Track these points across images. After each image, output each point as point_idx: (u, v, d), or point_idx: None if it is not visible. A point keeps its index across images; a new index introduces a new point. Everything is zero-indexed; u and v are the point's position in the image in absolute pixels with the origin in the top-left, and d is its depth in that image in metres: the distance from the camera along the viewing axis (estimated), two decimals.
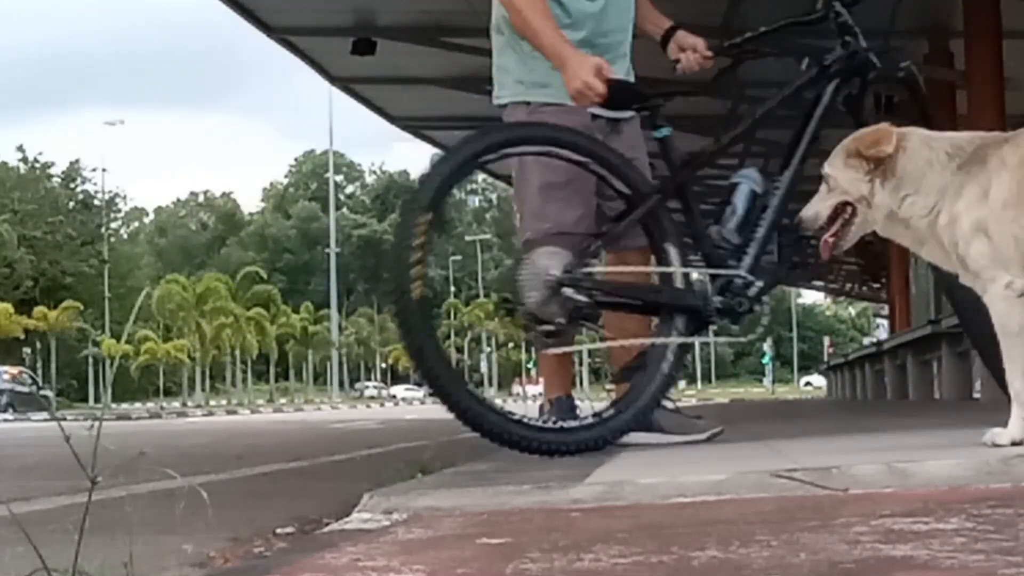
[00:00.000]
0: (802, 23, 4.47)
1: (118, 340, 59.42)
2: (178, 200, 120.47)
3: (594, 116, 4.47)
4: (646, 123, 4.41)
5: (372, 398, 77.29)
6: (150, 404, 59.16)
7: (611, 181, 4.18)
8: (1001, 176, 3.20)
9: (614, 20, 4.60)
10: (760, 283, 4.20)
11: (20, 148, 75.34)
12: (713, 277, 4.21)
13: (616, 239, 4.25)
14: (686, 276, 4.18)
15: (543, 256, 4.05)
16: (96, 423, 2.12)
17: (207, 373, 68.36)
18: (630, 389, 4.19)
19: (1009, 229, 3.18)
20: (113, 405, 55.02)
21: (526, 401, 65.14)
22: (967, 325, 4.38)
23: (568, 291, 3.98)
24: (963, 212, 3.25)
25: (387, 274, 4.06)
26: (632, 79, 4.64)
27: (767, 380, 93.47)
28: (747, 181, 4.31)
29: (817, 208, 3.45)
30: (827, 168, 3.46)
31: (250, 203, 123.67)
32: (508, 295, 4.08)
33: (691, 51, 4.57)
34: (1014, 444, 3.11)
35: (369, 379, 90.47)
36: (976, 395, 12.54)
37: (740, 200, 4.27)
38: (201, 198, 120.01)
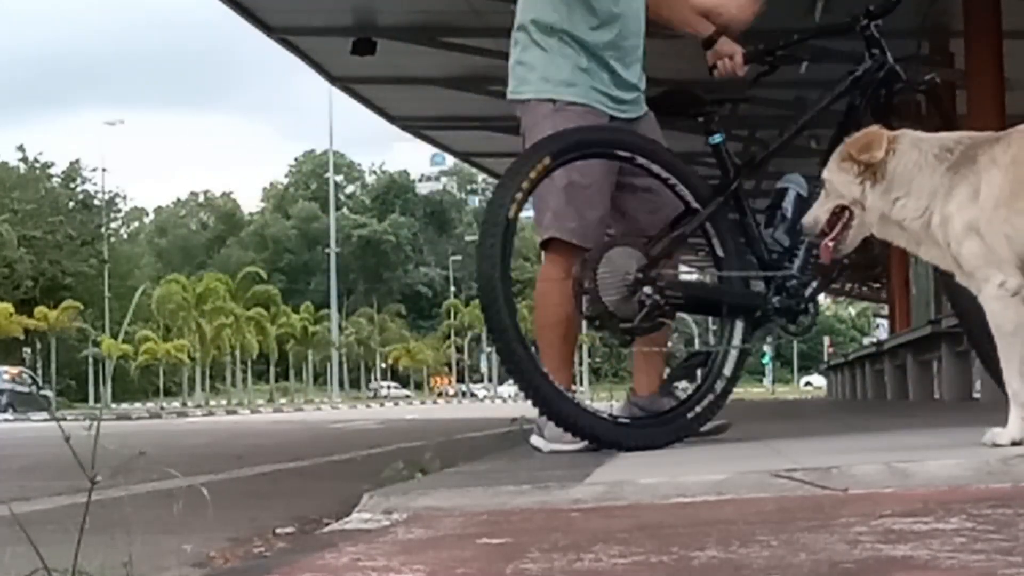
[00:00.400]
0: (832, 31, 4.70)
1: (118, 340, 59.38)
2: (178, 200, 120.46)
3: (612, 118, 4.55)
4: (700, 129, 4.53)
5: (388, 399, 76.98)
6: (150, 404, 59.12)
7: (678, 188, 4.35)
8: (992, 176, 3.20)
9: (633, 24, 4.63)
10: (815, 283, 4.40)
11: (20, 148, 75.30)
12: (769, 278, 4.38)
13: (682, 241, 4.41)
14: (746, 278, 4.36)
15: (620, 256, 4.18)
16: (95, 423, 2.12)
17: (207, 373, 68.32)
18: (696, 388, 4.35)
19: (1001, 228, 3.18)
20: (113, 405, 55.01)
21: (526, 401, 65.06)
22: (965, 325, 4.44)
23: (647, 290, 4.13)
24: (955, 213, 3.25)
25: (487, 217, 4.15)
26: (644, 84, 4.68)
27: (767, 380, 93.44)
28: (794, 186, 4.49)
29: (816, 213, 3.47)
30: (824, 173, 3.47)
31: (250, 203, 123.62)
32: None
33: (728, 58, 4.62)
34: (1014, 444, 3.11)
35: (370, 379, 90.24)
36: (976, 395, 12.54)
37: (789, 204, 4.45)
38: (201, 198, 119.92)
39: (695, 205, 4.36)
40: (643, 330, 4.24)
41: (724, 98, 4.59)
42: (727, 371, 4.34)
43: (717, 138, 4.48)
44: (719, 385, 4.34)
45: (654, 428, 4.25)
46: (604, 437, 4.13)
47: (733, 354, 4.36)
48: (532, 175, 4.13)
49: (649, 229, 4.41)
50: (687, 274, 4.27)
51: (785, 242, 4.40)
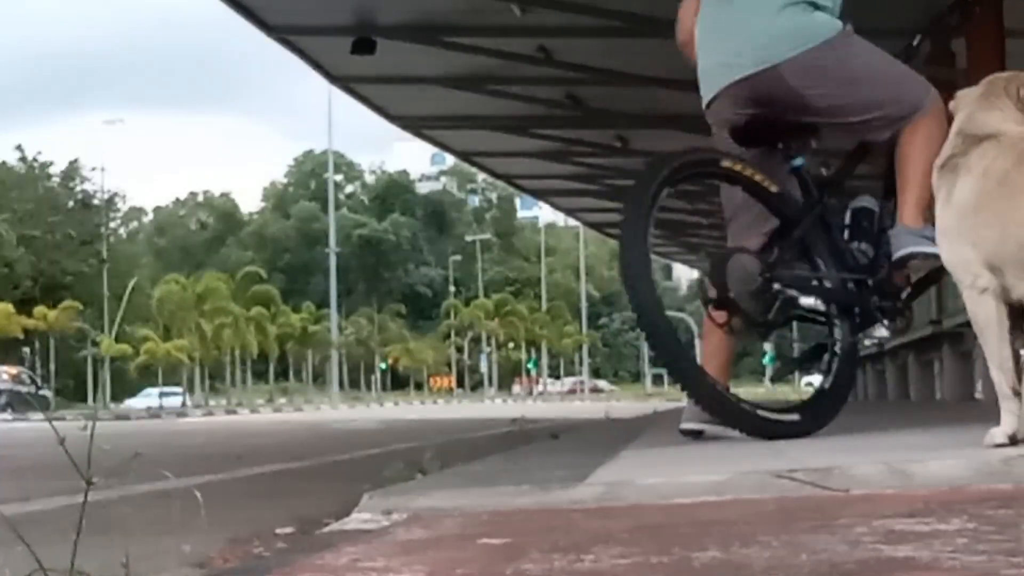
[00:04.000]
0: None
1: (118, 340, 59.32)
2: (177, 200, 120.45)
3: None
4: (780, 155, 4.64)
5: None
6: (149, 404, 59.11)
7: (778, 204, 4.58)
8: (965, 183, 3.30)
9: None
10: (908, 288, 4.68)
11: (19, 148, 75.34)
12: (863, 281, 4.64)
13: (791, 250, 4.62)
14: (846, 282, 4.63)
15: (749, 260, 4.44)
16: (91, 423, 2.11)
17: (207, 373, 68.32)
18: (831, 382, 4.59)
19: (968, 236, 3.28)
20: (112, 405, 55.02)
21: (526, 401, 65.11)
22: None
23: (776, 287, 4.42)
24: (938, 214, 3.39)
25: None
26: None
27: (768, 380, 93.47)
28: (869, 204, 4.72)
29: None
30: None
31: (250, 203, 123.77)
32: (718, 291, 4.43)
33: None
34: (1011, 439, 3.12)
35: (370, 380, 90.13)
36: (978, 395, 12.54)
37: (866, 220, 4.69)
38: (200, 198, 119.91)
39: (789, 217, 4.59)
40: (779, 324, 4.61)
41: (801, 124, 4.63)
42: (835, 368, 4.61)
43: (798, 161, 4.63)
44: (828, 383, 4.61)
45: (799, 420, 4.47)
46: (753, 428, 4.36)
47: (852, 353, 4.66)
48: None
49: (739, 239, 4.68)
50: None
51: (870, 253, 4.64)
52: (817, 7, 4.43)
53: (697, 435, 4.54)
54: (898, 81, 4.45)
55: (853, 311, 4.63)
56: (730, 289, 4.37)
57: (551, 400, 73.59)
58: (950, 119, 3.53)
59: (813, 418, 4.48)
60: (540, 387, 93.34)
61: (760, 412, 4.39)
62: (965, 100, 3.46)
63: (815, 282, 4.56)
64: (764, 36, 4.39)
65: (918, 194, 4.37)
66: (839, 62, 4.43)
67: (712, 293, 4.45)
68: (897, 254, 4.49)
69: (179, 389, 61.19)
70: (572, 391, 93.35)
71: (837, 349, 4.59)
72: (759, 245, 4.54)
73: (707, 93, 4.63)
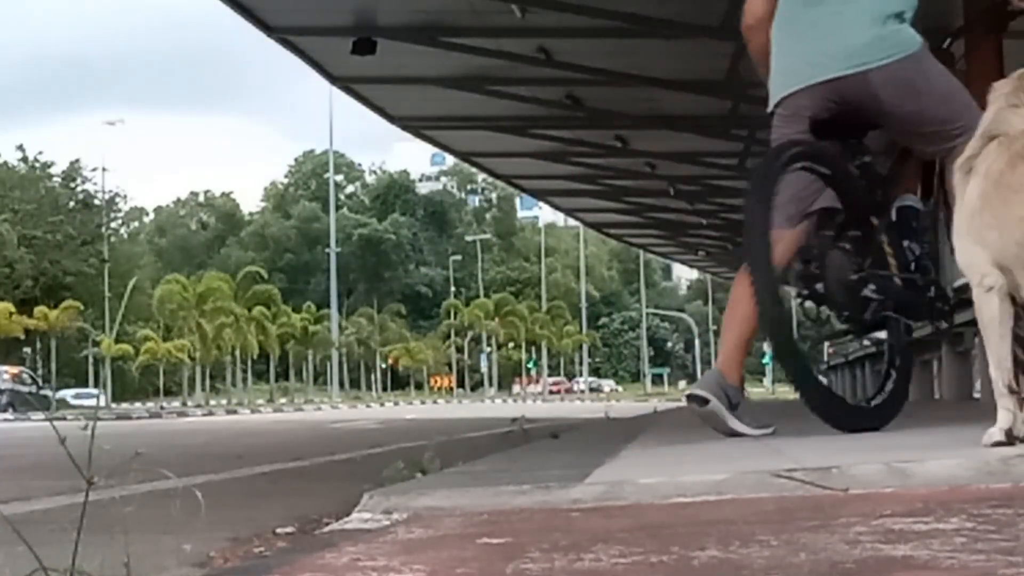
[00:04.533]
0: None
1: (119, 340, 59.27)
2: (178, 200, 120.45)
3: None
4: (850, 151, 4.78)
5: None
6: (150, 404, 59.10)
7: (857, 197, 4.76)
8: (974, 184, 3.32)
9: None
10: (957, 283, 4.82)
11: (20, 148, 75.32)
12: (913, 280, 4.81)
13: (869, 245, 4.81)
14: (910, 282, 4.79)
15: (841, 256, 4.66)
16: (91, 423, 2.12)
17: (207, 373, 68.30)
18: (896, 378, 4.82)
19: (974, 237, 3.31)
20: (113, 405, 54.99)
21: (526, 401, 65.04)
22: None
23: (871, 287, 4.63)
24: (954, 216, 3.43)
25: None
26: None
27: (767, 380, 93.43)
28: (914, 202, 4.93)
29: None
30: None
31: (250, 203, 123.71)
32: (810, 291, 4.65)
33: None
34: (1007, 435, 3.13)
35: (370, 379, 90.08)
36: (976, 395, 12.54)
37: (913, 219, 4.89)
38: (201, 198, 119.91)
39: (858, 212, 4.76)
40: (871, 327, 4.84)
41: (872, 124, 4.81)
42: (897, 363, 4.85)
43: (866, 158, 4.82)
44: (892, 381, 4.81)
45: (874, 415, 4.66)
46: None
47: (901, 352, 4.89)
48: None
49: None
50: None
51: (917, 251, 4.82)
52: (903, 20, 4.65)
53: (703, 403, 4.60)
54: (965, 104, 4.58)
55: (907, 310, 4.80)
56: (827, 283, 4.58)
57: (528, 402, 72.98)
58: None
59: (890, 412, 4.72)
60: (539, 387, 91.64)
61: (862, 405, 4.77)
62: (995, 94, 3.49)
63: (895, 281, 4.74)
64: (857, 42, 4.60)
65: None
66: (921, 75, 4.64)
67: (803, 285, 4.62)
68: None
69: (95, 390, 60.69)
70: (556, 391, 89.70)
71: (896, 347, 4.81)
72: (796, 221, 4.66)
73: (788, 86, 4.75)
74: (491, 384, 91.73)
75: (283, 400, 67.47)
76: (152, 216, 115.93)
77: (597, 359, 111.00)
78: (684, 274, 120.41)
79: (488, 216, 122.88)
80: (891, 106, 4.60)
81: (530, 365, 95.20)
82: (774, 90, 4.78)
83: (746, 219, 4.52)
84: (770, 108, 4.79)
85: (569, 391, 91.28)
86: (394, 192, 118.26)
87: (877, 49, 4.58)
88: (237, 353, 67.48)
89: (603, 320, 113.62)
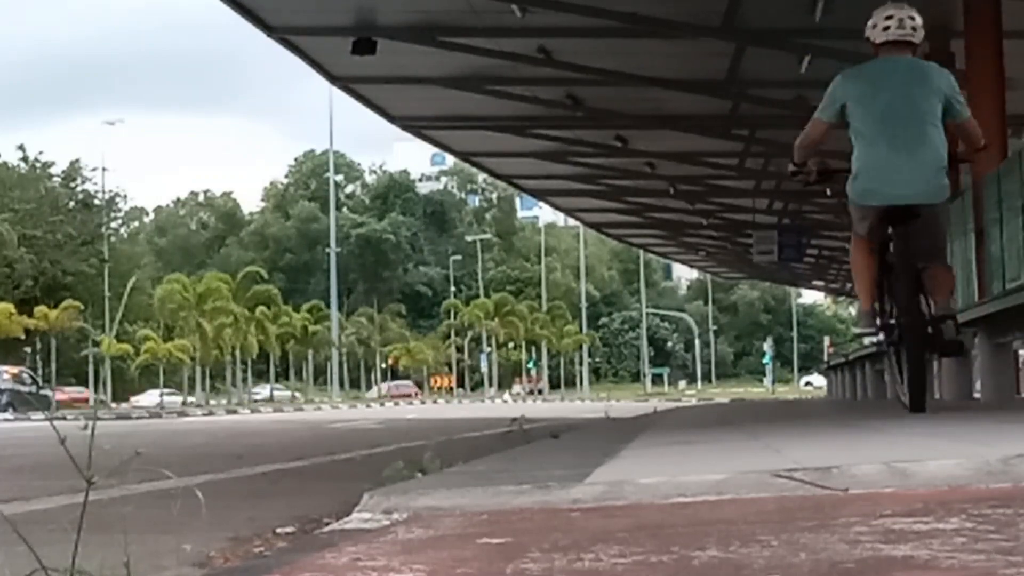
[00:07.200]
0: None
1: (119, 340, 59.19)
2: (178, 199, 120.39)
3: None
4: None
5: None
6: (150, 404, 59.09)
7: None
8: None
9: None
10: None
11: (20, 147, 75.31)
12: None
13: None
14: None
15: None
16: (91, 423, 2.12)
17: (207, 373, 68.27)
18: None
19: None
20: (113, 405, 54.99)
21: (525, 401, 64.98)
22: None
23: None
24: None
25: None
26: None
27: (767, 380, 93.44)
28: None
29: None
30: None
31: (250, 203, 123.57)
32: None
33: None
34: None
35: (370, 379, 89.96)
36: (976, 395, 12.54)
37: None
38: (201, 197, 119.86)
39: None
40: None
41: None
42: None
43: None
44: None
45: None
46: None
47: None
48: None
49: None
50: None
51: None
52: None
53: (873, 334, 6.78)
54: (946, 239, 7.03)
55: None
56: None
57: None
58: None
59: None
60: (491, 391, 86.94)
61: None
62: None
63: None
64: (932, 185, 6.43)
65: None
66: (945, 214, 6.88)
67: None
68: None
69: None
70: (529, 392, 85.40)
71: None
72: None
73: (876, 199, 6.46)
74: (491, 384, 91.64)
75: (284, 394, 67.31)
76: (152, 216, 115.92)
77: (597, 359, 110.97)
78: (684, 274, 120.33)
79: (488, 216, 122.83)
80: (929, 222, 6.50)
81: (530, 365, 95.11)
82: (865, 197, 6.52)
83: None
84: (855, 203, 6.53)
85: (418, 395, 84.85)
86: (394, 192, 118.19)
87: (939, 193, 6.48)
88: (237, 353, 67.45)
89: (603, 320, 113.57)
